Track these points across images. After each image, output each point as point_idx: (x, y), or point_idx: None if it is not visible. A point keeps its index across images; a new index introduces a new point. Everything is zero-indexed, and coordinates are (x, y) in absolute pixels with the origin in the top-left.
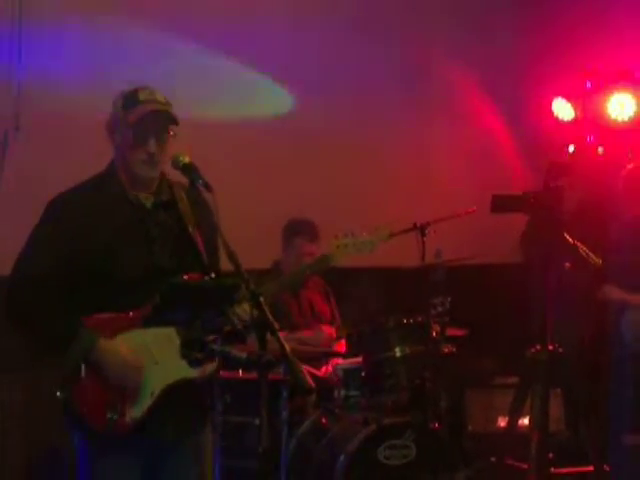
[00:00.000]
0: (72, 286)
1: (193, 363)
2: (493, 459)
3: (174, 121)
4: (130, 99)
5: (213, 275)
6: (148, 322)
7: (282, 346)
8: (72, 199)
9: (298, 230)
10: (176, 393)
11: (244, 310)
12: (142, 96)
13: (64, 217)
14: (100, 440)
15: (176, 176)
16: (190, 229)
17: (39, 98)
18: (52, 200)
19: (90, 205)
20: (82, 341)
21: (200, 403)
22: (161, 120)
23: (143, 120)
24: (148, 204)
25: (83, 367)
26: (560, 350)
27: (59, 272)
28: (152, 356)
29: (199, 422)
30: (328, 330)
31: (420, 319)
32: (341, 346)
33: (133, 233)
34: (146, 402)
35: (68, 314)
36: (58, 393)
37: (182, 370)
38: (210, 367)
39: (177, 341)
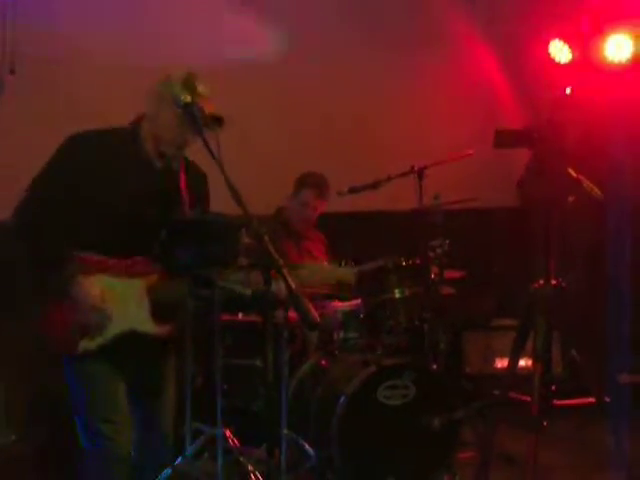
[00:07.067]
0: (72, 216)
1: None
2: (496, 392)
3: (220, 127)
4: (189, 85)
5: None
6: (156, 260)
7: (288, 282)
8: (90, 140)
9: (308, 182)
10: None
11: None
12: (201, 88)
13: (78, 153)
14: (77, 356)
15: None
16: (183, 196)
17: (35, 42)
18: (72, 135)
19: (105, 151)
20: (69, 272)
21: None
22: (208, 122)
23: (199, 115)
24: (157, 167)
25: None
26: (563, 285)
27: (64, 200)
28: (117, 303)
29: (159, 356)
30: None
31: (419, 261)
32: None
33: (135, 185)
34: (98, 340)
35: (66, 241)
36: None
37: (138, 322)
38: (171, 327)
39: (144, 295)
